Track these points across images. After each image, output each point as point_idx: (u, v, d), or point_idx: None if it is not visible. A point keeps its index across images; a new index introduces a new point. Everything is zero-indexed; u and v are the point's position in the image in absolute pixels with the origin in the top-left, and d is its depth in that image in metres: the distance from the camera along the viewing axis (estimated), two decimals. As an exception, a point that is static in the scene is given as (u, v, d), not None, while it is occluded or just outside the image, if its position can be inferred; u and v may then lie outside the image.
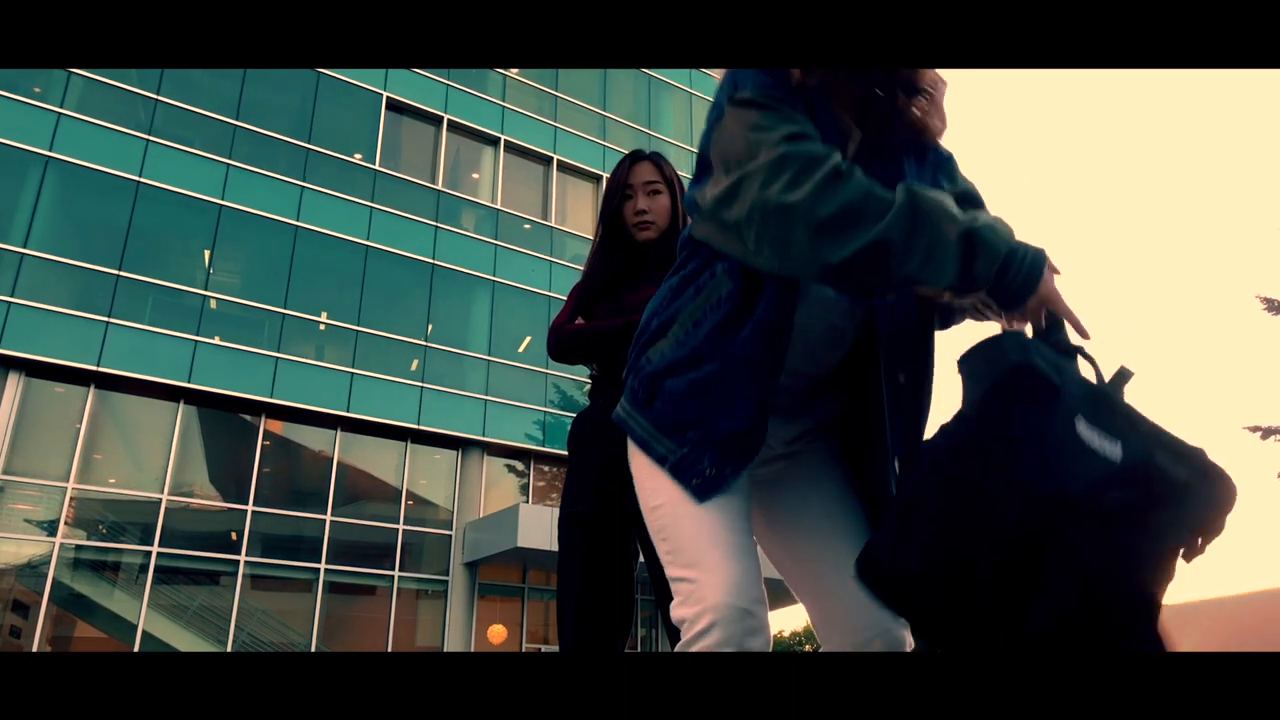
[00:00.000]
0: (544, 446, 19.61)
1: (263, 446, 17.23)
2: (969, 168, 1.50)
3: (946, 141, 1.47)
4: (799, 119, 1.29)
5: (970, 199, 1.44)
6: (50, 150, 15.76)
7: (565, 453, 2.80)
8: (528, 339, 20.35)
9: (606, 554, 2.48)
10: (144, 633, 14.99)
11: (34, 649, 14.19)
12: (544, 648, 18.25)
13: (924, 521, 1.08)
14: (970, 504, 1.05)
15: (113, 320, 15.70)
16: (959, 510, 1.06)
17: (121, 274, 15.98)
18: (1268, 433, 21.52)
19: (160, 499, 15.78)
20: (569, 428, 2.86)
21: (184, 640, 15.51)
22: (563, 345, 2.74)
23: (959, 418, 1.15)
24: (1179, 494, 1.06)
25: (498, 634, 18.37)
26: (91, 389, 15.55)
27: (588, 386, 2.87)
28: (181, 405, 16.36)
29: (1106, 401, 1.12)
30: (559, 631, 2.62)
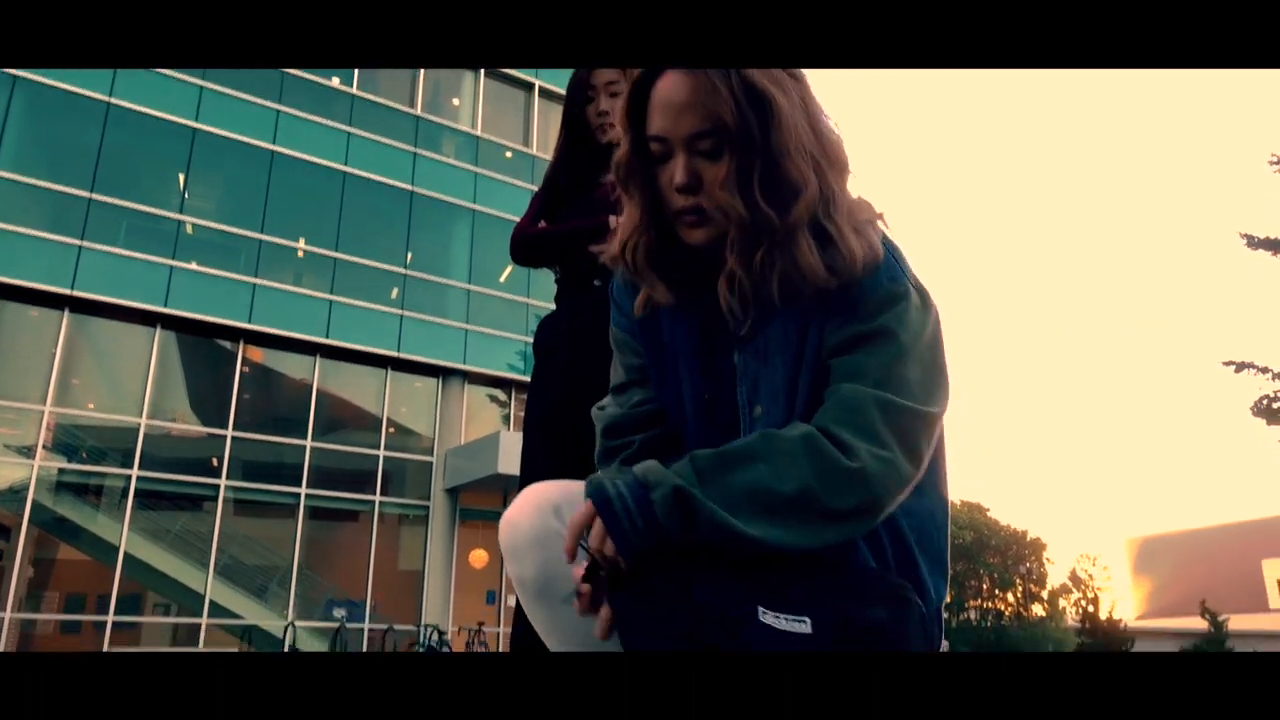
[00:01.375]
0: (525, 376, 19.68)
1: (242, 373, 17.21)
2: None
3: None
4: (627, 355, 1.39)
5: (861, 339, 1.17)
6: (15, 69, 15.34)
7: None
8: (509, 268, 20.26)
9: (574, 449, 2.48)
10: (126, 555, 15.15)
11: (15, 571, 14.33)
12: (524, 573, 18.57)
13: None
14: None
15: (85, 244, 15.50)
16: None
17: (93, 197, 15.72)
18: (1241, 367, 21.94)
19: (139, 424, 15.79)
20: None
21: (167, 563, 15.70)
22: (525, 248, 2.75)
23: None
24: (879, 635, 1.07)
25: (479, 559, 18.68)
26: (66, 313, 15.41)
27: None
28: (158, 330, 16.27)
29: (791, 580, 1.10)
30: None
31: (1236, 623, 36.80)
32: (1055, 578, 50.20)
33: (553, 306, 2.83)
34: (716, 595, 1.09)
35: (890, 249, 1.20)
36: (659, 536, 1.08)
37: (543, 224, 2.74)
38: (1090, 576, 49.21)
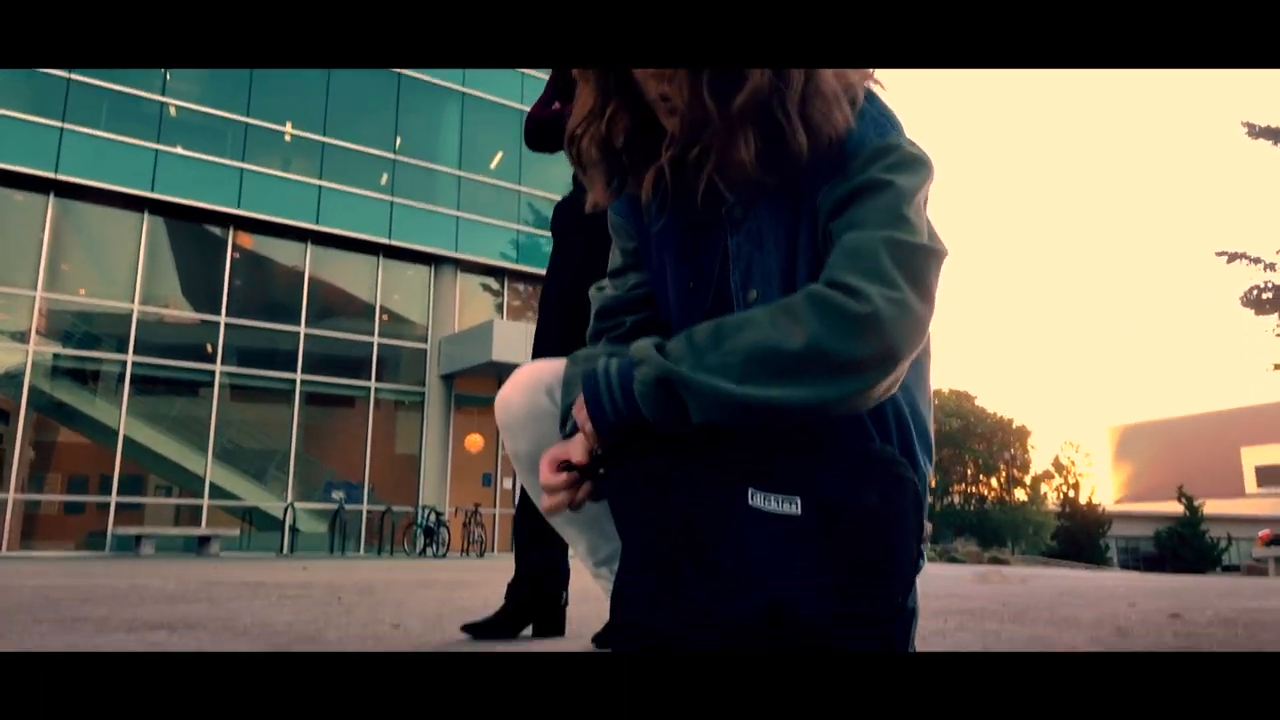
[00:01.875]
0: (518, 264, 19.63)
1: (233, 259, 17.13)
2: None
3: None
4: (622, 239, 1.37)
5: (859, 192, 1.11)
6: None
7: (541, 271, 2.91)
8: (499, 154, 19.93)
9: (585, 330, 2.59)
10: (126, 438, 15.38)
11: (16, 454, 14.57)
12: (518, 457, 18.95)
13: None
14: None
15: (67, 126, 15.19)
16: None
17: (72, 78, 15.33)
18: (1233, 257, 21.98)
19: (132, 309, 15.80)
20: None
21: (167, 447, 15.97)
22: (538, 131, 2.74)
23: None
24: (871, 521, 1.06)
25: (474, 443, 19.02)
26: (51, 197, 15.22)
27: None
28: (146, 216, 16.10)
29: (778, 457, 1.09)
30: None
31: (1212, 507, 37.93)
32: (1039, 464, 51.48)
33: (546, 193, 2.85)
34: (706, 475, 1.09)
35: (877, 108, 1.16)
36: (641, 418, 1.06)
37: (556, 105, 2.72)
38: (1072, 463, 50.50)
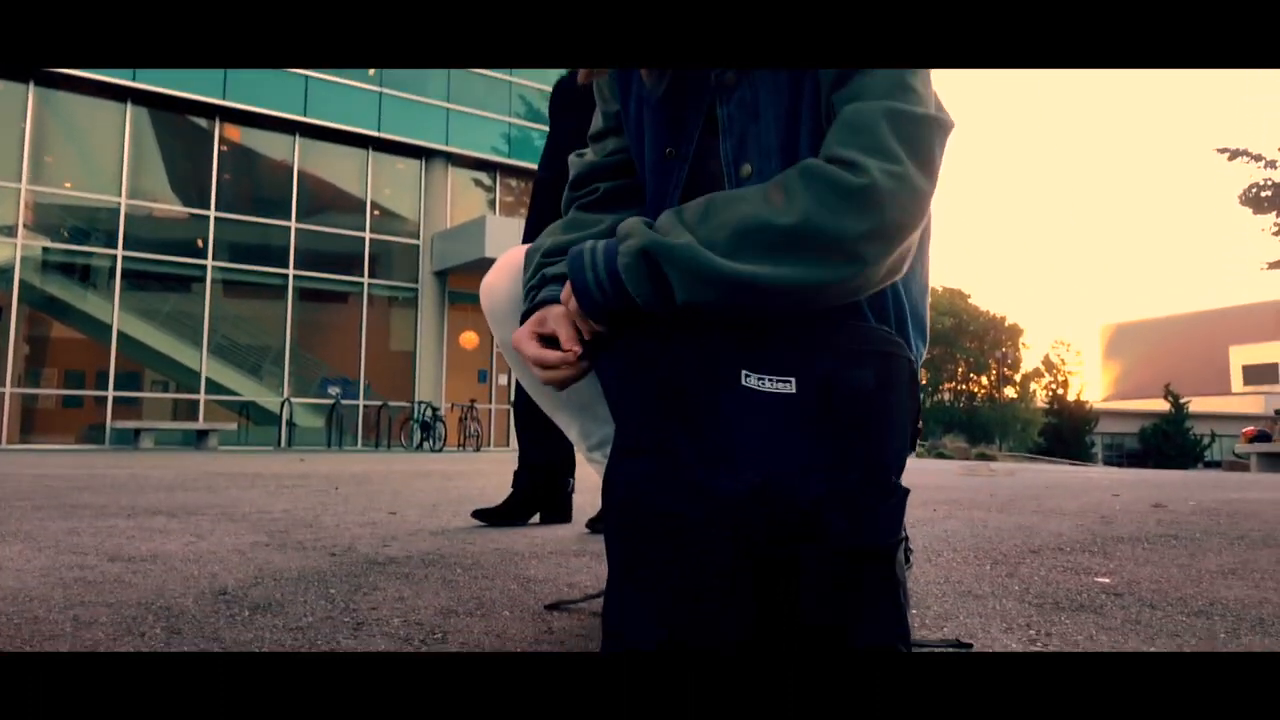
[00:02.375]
0: (510, 159, 19.29)
1: (220, 152, 16.80)
2: None
3: None
4: (606, 101, 1.29)
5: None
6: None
7: (534, 166, 2.89)
8: (490, 42, 19.34)
9: None
10: (120, 333, 15.37)
11: (10, 348, 14.56)
12: (513, 354, 19.00)
13: None
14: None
15: (43, 11, 14.66)
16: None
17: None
18: (1235, 154, 21.66)
19: (119, 203, 15.57)
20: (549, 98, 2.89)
21: (162, 342, 15.97)
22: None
23: None
24: (866, 401, 1.05)
25: (469, 340, 19.05)
26: (31, 86, 14.82)
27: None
28: (129, 106, 15.71)
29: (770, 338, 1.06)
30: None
31: (1199, 405, 38.47)
32: (1030, 363, 51.88)
33: (538, 84, 2.81)
34: (701, 353, 1.07)
35: None
36: (629, 299, 1.02)
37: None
38: (1062, 361, 50.91)
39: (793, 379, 1.07)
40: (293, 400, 16.46)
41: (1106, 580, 1.95)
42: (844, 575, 1.09)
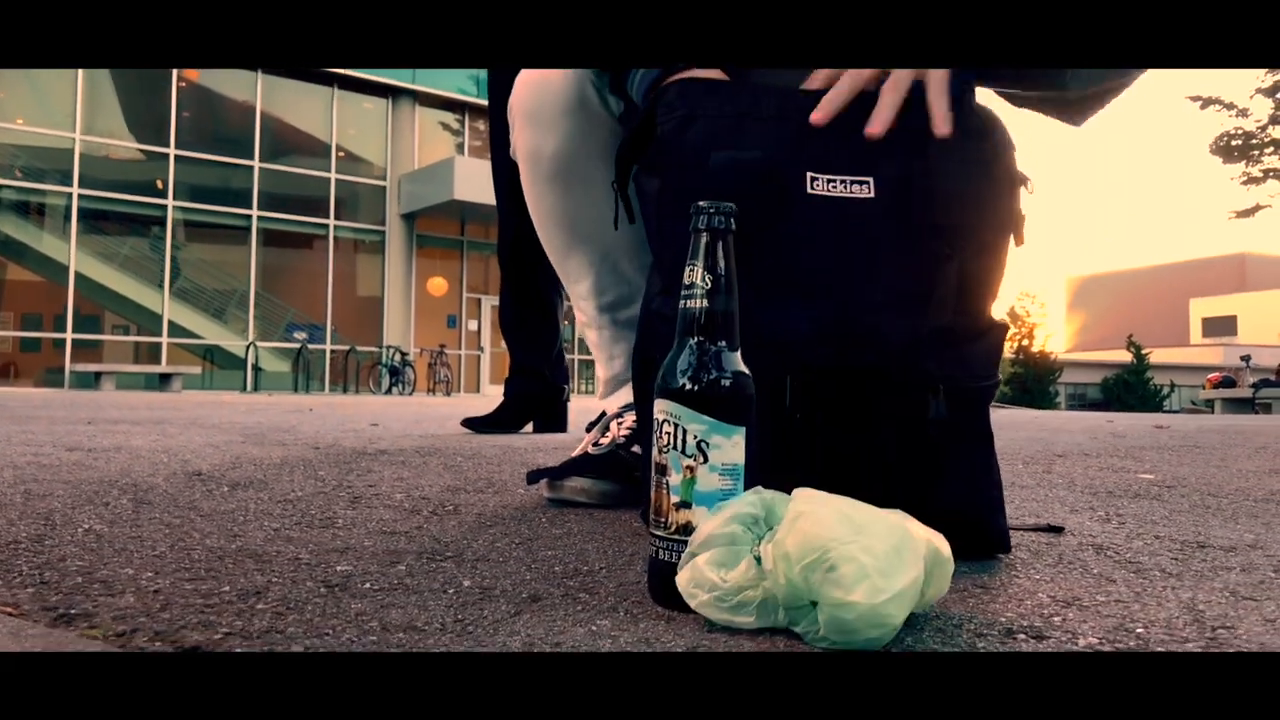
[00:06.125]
0: (479, 99, 18.80)
1: (179, 89, 16.21)
2: None
3: None
4: None
5: None
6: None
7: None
8: (459, -23, 18.75)
9: None
10: (78, 274, 14.90)
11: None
12: (484, 299, 18.73)
13: None
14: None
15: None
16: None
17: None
18: (1207, 103, 21.66)
19: (74, 139, 15.00)
20: None
21: (122, 284, 15.51)
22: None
23: None
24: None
25: (438, 287, 18.72)
26: (-24, 14, 14.15)
27: None
28: (81, 37, 15.07)
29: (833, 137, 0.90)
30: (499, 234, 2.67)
31: (1160, 356, 39.00)
32: (996, 314, 52.27)
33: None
34: (769, 150, 0.90)
35: None
36: None
37: None
38: (1027, 313, 51.41)
39: (870, 179, 0.90)
40: (258, 344, 16.09)
41: (1150, 477, 1.83)
42: (931, 429, 0.95)
